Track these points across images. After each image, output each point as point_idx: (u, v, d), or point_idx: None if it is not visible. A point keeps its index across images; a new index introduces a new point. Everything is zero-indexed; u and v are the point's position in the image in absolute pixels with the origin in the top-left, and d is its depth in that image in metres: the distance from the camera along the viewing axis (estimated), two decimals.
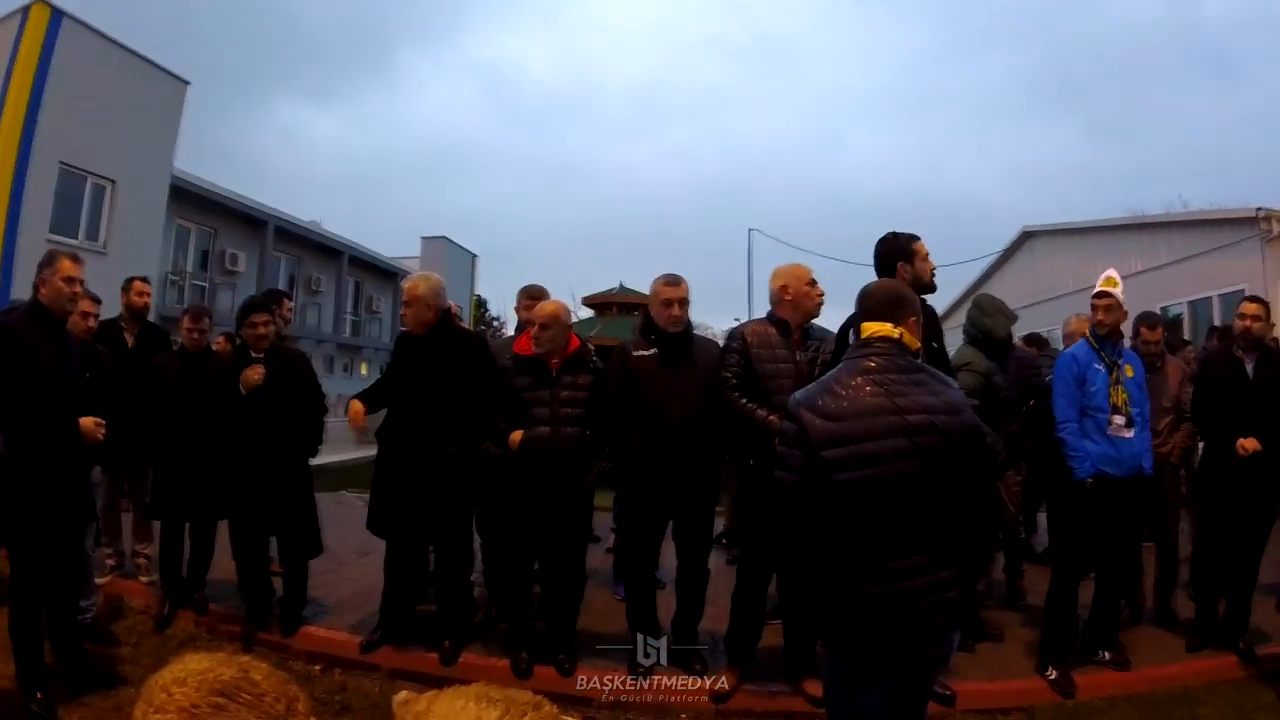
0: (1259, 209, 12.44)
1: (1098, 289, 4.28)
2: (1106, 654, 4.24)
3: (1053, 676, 4.05)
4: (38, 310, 3.67)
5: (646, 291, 4.27)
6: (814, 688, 3.64)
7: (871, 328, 2.35)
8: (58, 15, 14.00)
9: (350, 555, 4.85)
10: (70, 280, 3.70)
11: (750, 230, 26.08)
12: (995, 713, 3.79)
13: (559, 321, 4.12)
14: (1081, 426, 4.13)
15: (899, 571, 2.14)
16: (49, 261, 3.75)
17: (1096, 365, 4.18)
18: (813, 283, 3.98)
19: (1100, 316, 4.22)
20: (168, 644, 4.37)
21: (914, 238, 3.77)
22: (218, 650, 3.72)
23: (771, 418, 3.59)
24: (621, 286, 14.96)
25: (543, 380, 4.12)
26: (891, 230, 3.83)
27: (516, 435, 4.04)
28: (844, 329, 3.36)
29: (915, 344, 2.36)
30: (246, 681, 2.81)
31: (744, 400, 3.76)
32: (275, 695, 2.85)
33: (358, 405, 4.23)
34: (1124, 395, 4.12)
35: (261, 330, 4.48)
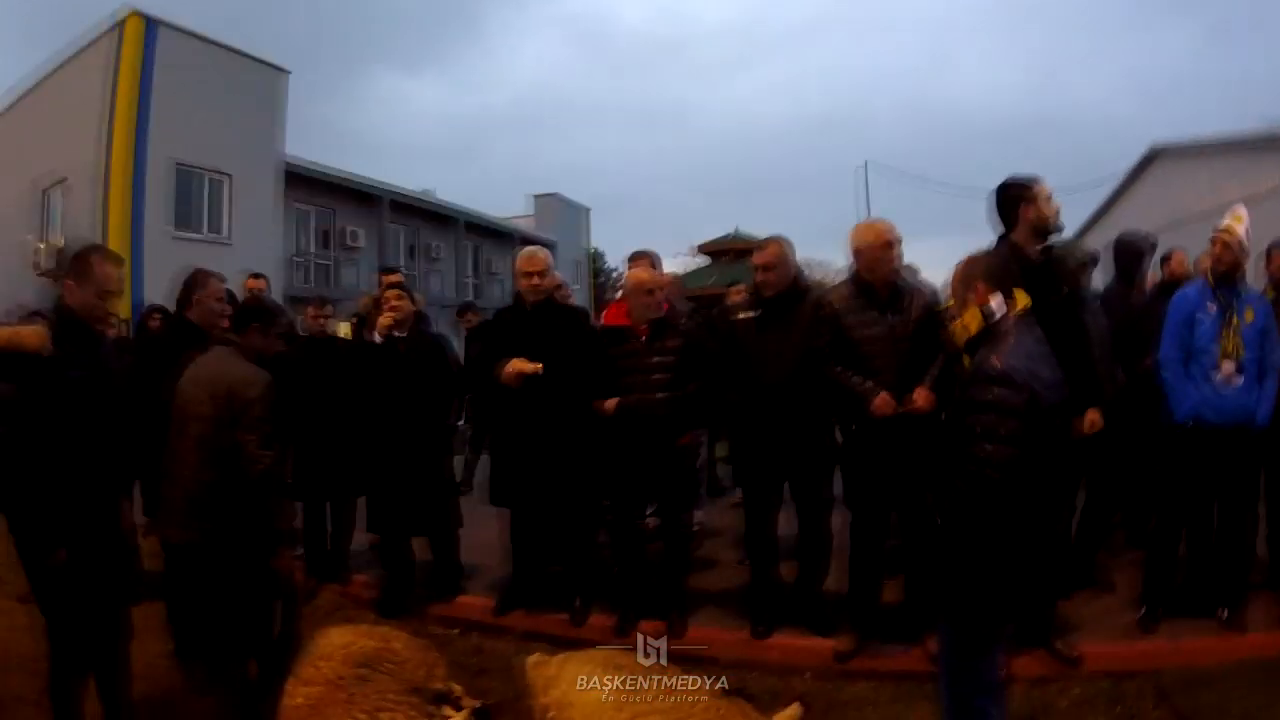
0: None
1: (1221, 224, 3.99)
2: (1225, 611, 3.99)
3: (1140, 613, 4.01)
4: (186, 327, 3.90)
5: (761, 236, 4.27)
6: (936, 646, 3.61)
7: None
8: (153, 24, 14.78)
9: (474, 520, 5.04)
10: (222, 300, 4.03)
11: (865, 162, 25.34)
12: (1120, 676, 3.64)
13: (649, 288, 4.20)
14: (1186, 369, 3.92)
15: (1049, 538, 2.52)
16: (200, 283, 4.01)
17: (1209, 306, 3.92)
18: (889, 244, 3.80)
19: (1217, 251, 3.94)
20: (314, 616, 4.55)
21: (1033, 180, 3.64)
22: (360, 621, 3.94)
23: (868, 385, 3.64)
24: (736, 232, 14.86)
25: (632, 348, 4.20)
26: (1010, 176, 3.69)
27: (610, 403, 4.14)
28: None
29: None
30: (387, 651, 2.97)
31: (840, 370, 3.76)
32: (415, 662, 3.02)
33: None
34: (1237, 340, 3.84)
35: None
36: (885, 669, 3.74)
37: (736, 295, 5.55)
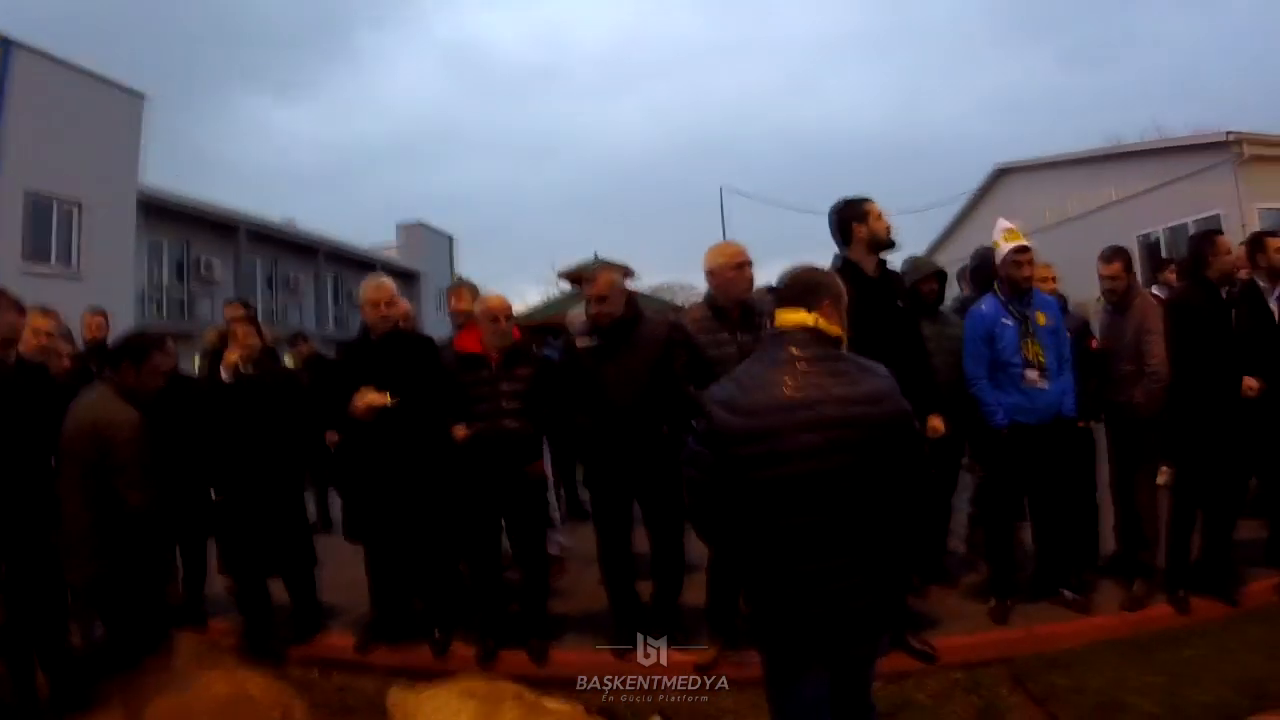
0: (1229, 133, 12.55)
1: (1016, 244, 4.17)
2: (1069, 593, 4.29)
3: (991, 604, 4.25)
4: (20, 366, 3.77)
5: (621, 262, 4.37)
6: None
7: (785, 317, 2.26)
8: (5, 43, 13.90)
9: (327, 557, 4.91)
10: (38, 333, 3.90)
11: (722, 188, 25.74)
12: (976, 666, 3.83)
13: (504, 315, 4.23)
14: (996, 379, 4.18)
15: (817, 573, 2.09)
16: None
17: (1004, 320, 4.17)
18: (741, 265, 3.97)
19: (1025, 272, 4.16)
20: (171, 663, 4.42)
21: (864, 200, 3.90)
22: (217, 666, 3.77)
23: None
24: (596, 258, 15.00)
25: (485, 375, 4.21)
26: (843, 197, 3.93)
27: (460, 430, 4.14)
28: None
29: (834, 330, 2.25)
30: (241, 696, 2.88)
31: (693, 390, 3.77)
32: (270, 705, 2.94)
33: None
34: (1036, 347, 4.13)
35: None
36: (747, 678, 3.69)
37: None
